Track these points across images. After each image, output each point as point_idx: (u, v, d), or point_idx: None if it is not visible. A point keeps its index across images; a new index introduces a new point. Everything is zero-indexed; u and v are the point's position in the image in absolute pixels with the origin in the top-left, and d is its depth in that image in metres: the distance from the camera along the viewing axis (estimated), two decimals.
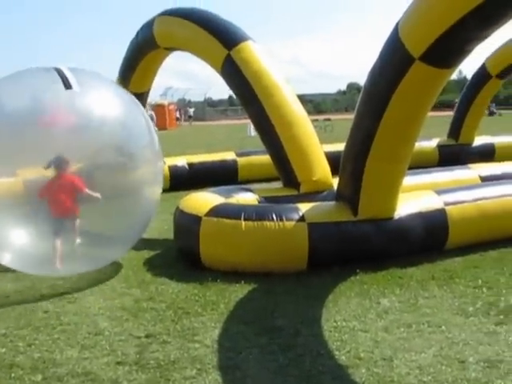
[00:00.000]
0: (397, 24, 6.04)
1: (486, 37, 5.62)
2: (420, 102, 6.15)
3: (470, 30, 5.48)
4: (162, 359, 4.59)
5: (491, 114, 60.80)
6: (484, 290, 5.89)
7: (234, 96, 10.00)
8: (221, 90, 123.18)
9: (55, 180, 6.09)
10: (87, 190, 6.11)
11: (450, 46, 5.67)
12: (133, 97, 7.05)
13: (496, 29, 5.55)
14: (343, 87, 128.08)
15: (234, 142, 25.68)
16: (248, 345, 4.81)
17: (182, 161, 14.06)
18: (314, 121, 9.38)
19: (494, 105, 63.43)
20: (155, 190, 6.86)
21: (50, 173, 6.05)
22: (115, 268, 7.00)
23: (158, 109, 52.30)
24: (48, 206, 6.14)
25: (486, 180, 8.99)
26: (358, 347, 4.68)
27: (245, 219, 6.59)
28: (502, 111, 59.73)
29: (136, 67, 11.75)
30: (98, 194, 6.08)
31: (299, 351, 4.66)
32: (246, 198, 7.86)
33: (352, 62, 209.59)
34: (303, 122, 8.59)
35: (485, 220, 7.29)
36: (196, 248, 6.84)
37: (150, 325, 5.31)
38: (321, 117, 45.10)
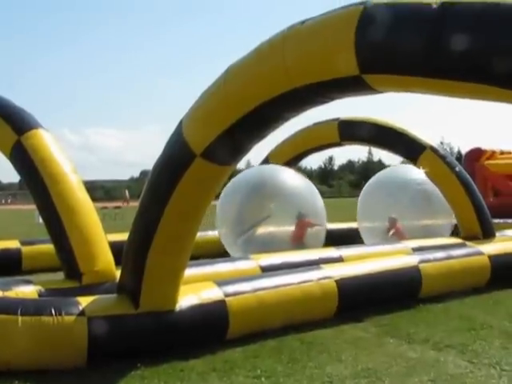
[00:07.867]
0: (181, 121, 6.28)
1: (263, 137, 6.01)
2: (200, 196, 6.37)
3: (246, 131, 5.85)
4: None
5: None
6: (263, 379, 6.01)
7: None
8: (11, 172, 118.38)
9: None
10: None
11: (228, 145, 5.99)
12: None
13: (271, 131, 5.98)
14: (136, 174, 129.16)
15: (21, 229, 24.41)
16: None
17: None
18: (103, 208, 9.20)
19: None
20: None
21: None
22: None
23: None
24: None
25: (266, 270, 9.36)
26: None
27: (22, 314, 6.23)
28: None
29: None
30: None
31: None
32: (26, 290, 7.50)
33: (145, 150, 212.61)
34: (88, 210, 8.58)
35: (264, 310, 7.53)
36: None
37: None
38: (112, 204, 44.50)
